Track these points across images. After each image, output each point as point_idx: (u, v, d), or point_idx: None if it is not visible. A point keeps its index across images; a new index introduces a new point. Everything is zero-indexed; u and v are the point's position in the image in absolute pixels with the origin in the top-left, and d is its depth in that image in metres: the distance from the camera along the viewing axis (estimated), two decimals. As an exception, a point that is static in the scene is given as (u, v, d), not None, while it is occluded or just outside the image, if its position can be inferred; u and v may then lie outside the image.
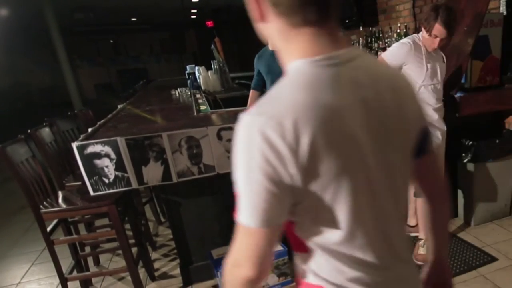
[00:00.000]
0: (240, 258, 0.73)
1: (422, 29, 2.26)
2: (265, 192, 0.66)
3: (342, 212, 0.72)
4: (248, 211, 0.68)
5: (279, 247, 2.30)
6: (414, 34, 2.42)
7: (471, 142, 2.70)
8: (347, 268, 0.77)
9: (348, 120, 0.69)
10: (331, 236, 0.74)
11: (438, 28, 2.17)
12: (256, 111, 0.67)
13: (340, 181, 0.69)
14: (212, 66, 5.01)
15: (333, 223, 0.73)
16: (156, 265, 2.80)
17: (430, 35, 2.22)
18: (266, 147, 0.64)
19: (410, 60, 2.29)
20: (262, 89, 3.49)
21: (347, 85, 0.70)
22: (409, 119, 0.79)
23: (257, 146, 0.64)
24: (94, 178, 2.00)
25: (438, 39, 2.20)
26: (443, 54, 2.42)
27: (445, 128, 2.44)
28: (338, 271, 0.77)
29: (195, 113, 2.74)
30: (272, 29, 0.73)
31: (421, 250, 2.54)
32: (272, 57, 3.27)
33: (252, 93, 3.61)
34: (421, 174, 0.91)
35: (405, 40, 2.38)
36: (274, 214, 0.68)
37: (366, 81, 0.73)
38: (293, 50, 0.72)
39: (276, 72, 3.26)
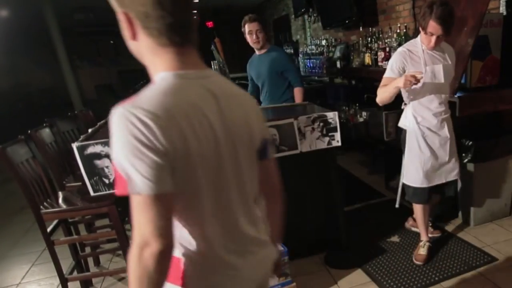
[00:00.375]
0: (145, 235, 0.79)
1: (420, 28, 2.19)
2: (148, 160, 0.77)
3: (201, 190, 0.88)
4: (139, 181, 0.77)
5: (279, 247, 2.29)
6: (412, 40, 2.35)
7: (471, 142, 2.70)
8: (201, 239, 0.91)
9: (207, 114, 0.87)
10: (190, 211, 0.89)
11: (433, 25, 2.07)
12: (131, 105, 0.80)
13: (202, 160, 0.85)
14: (212, 66, 5.00)
15: (193, 200, 0.88)
16: (157, 265, 2.80)
17: (426, 33, 2.13)
18: (142, 127, 0.77)
19: (408, 65, 2.22)
20: (257, 95, 3.52)
21: (205, 93, 0.90)
22: (253, 129, 1.00)
23: (135, 126, 0.77)
24: (95, 178, 2.00)
25: (434, 37, 2.11)
26: (447, 55, 2.28)
27: (446, 134, 2.33)
28: (191, 243, 0.91)
29: (195, 114, 2.74)
30: (142, 46, 0.89)
31: (421, 251, 2.55)
32: (259, 61, 3.31)
33: None
34: (260, 175, 1.09)
35: (399, 48, 2.33)
36: (162, 179, 0.79)
37: (219, 93, 0.92)
38: (159, 64, 0.89)
39: (263, 75, 3.29)
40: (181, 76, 0.88)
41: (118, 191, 0.81)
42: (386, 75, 2.31)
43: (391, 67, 2.27)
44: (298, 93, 3.23)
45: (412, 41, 2.32)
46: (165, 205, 0.80)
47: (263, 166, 1.08)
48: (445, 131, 2.33)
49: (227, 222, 0.96)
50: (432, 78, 2.22)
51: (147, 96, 0.83)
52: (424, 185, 2.39)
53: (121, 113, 0.79)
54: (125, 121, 0.78)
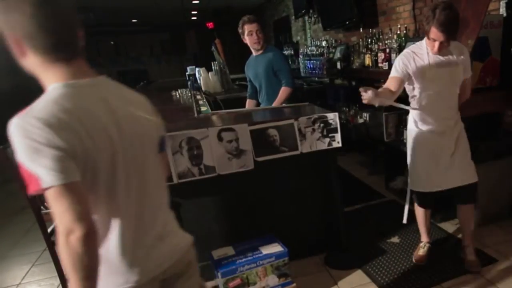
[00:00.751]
0: (66, 223, 0.88)
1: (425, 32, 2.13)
2: (50, 155, 0.87)
3: (100, 182, 0.98)
4: (47, 175, 0.87)
5: (279, 248, 2.30)
6: (418, 42, 2.26)
7: (471, 143, 2.69)
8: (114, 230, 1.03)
9: (99, 118, 0.98)
10: (100, 201, 1.00)
11: (434, 31, 2.00)
12: (24, 115, 0.90)
13: (99, 158, 0.96)
14: (213, 67, 5.02)
15: (95, 192, 0.98)
16: (157, 266, 2.80)
17: (428, 38, 2.07)
18: (37, 130, 0.87)
19: (413, 68, 2.16)
20: (256, 97, 3.52)
21: (95, 99, 1.00)
22: (148, 126, 1.14)
23: (30, 131, 0.87)
24: (95, 179, 2.01)
25: (437, 42, 2.04)
26: (456, 55, 2.17)
27: (449, 136, 2.24)
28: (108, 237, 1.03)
29: (195, 114, 2.74)
30: (32, 63, 0.98)
31: (421, 252, 2.55)
32: (256, 62, 3.31)
33: (248, 102, 3.63)
34: None
35: (405, 50, 2.26)
36: (68, 170, 0.88)
37: (110, 98, 1.03)
38: (50, 77, 0.99)
39: (260, 76, 3.29)
40: (71, 86, 0.97)
41: (30, 190, 0.89)
42: (390, 74, 2.25)
43: (395, 67, 2.22)
44: (283, 92, 3.18)
45: (418, 43, 2.25)
46: (77, 193, 0.90)
47: (160, 157, 1.24)
48: (449, 134, 2.24)
49: (125, 214, 1.04)
50: (436, 82, 2.15)
51: (39, 106, 0.92)
52: (427, 190, 2.34)
53: (17, 123, 0.89)
54: (21, 129, 0.88)
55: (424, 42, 2.19)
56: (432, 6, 2.03)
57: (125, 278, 1.05)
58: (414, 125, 2.29)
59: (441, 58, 2.15)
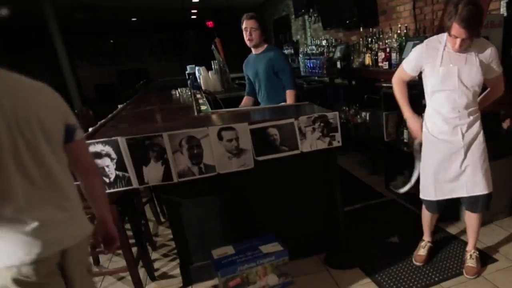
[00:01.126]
0: None
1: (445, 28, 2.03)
2: None
3: None
4: None
5: (279, 247, 2.29)
6: (441, 34, 2.11)
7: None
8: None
9: None
10: None
11: (456, 28, 1.88)
12: None
13: None
14: (213, 66, 5.01)
15: None
16: (156, 265, 2.80)
17: (450, 35, 1.95)
18: None
19: (424, 62, 2.10)
20: (254, 94, 3.50)
21: None
22: (46, 119, 1.15)
23: None
24: (95, 177, 2.00)
25: (458, 39, 1.92)
26: (475, 54, 2.03)
27: (460, 142, 2.12)
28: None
29: (195, 113, 2.74)
30: None
31: (421, 251, 2.54)
32: (256, 61, 3.29)
33: (246, 99, 3.61)
34: (71, 156, 1.27)
35: (425, 41, 2.17)
36: None
37: (1, 94, 1.07)
38: None
39: (260, 75, 3.27)
40: None
41: None
42: (404, 65, 2.22)
43: (410, 60, 2.19)
44: (289, 95, 3.18)
45: (440, 35, 2.11)
46: None
47: (72, 149, 1.26)
48: (459, 139, 2.12)
49: (13, 204, 1.11)
50: (446, 80, 2.05)
51: None
52: (432, 198, 2.29)
53: None
54: None
55: (445, 36, 2.06)
56: (455, 0, 1.90)
57: (21, 252, 1.13)
58: (425, 127, 2.24)
59: (458, 55, 2.04)
